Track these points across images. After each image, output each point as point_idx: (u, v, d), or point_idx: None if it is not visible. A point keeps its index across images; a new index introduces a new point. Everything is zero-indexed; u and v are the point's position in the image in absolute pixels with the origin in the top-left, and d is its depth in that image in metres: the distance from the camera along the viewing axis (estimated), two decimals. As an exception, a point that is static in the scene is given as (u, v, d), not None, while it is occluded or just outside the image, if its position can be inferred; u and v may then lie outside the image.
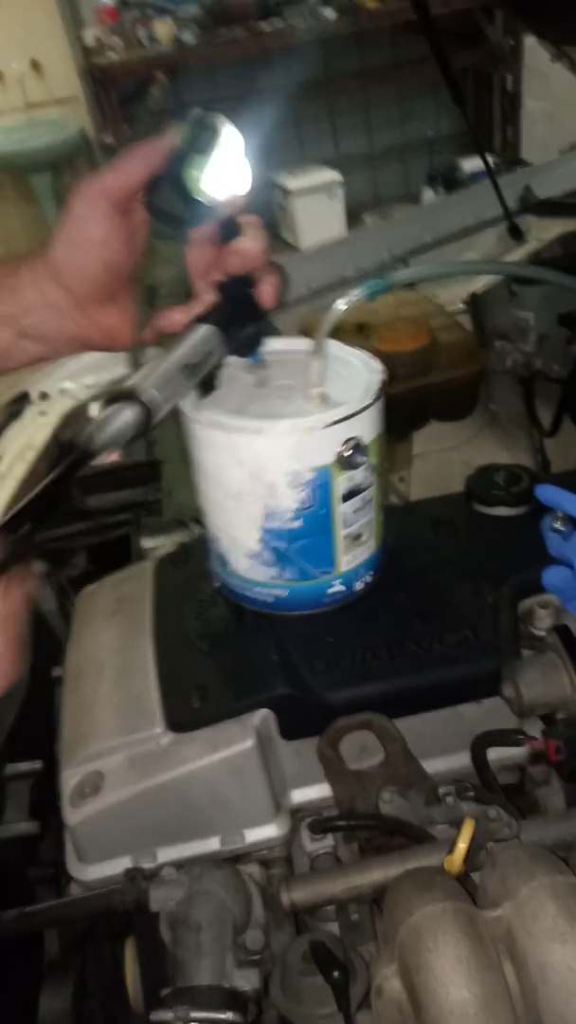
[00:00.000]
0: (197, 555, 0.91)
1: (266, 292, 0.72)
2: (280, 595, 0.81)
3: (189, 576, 0.90)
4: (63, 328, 0.72)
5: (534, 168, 2.05)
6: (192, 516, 0.82)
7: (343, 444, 0.73)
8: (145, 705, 0.80)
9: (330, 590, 0.81)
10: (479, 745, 0.77)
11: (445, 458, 1.42)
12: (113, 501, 1.37)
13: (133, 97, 4.78)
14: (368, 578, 0.84)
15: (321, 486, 0.74)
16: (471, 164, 4.96)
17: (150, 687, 0.82)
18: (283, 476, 0.73)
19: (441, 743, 0.81)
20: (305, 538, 0.77)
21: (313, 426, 0.72)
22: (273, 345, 0.82)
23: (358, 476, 0.76)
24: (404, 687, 0.77)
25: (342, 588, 0.82)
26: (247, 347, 0.76)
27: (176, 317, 0.71)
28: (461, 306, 1.65)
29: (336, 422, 0.72)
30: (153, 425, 0.63)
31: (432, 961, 0.59)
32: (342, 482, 0.75)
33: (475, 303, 1.66)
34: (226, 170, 0.68)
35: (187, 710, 0.78)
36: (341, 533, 0.78)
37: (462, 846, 0.67)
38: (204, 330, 0.68)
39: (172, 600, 0.90)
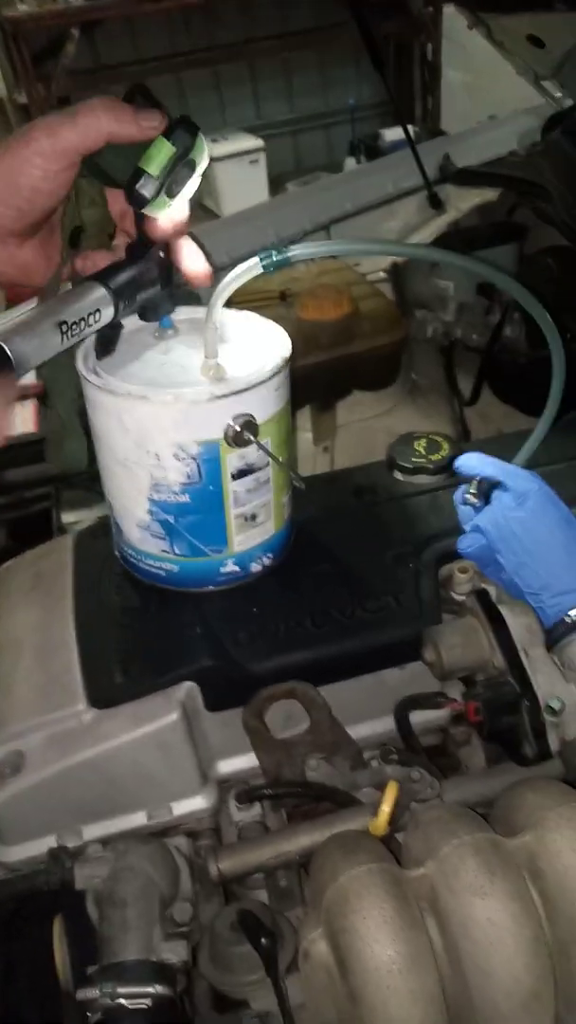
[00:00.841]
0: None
1: (194, 268, 0.71)
2: (171, 569, 0.80)
3: (109, 550, 0.88)
4: None
5: (453, 137, 2.05)
6: (80, 468, 0.80)
7: (232, 420, 0.72)
8: (66, 682, 0.79)
9: (223, 569, 0.81)
10: (402, 709, 0.79)
11: (368, 427, 1.43)
12: (32, 474, 1.33)
13: (47, 54, 4.59)
14: (267, 560, 0.83)
15: (209, 461, 0.73)
16: (393, 134, 4.94)
17: (71, 663, 0.80)
18: (168, 447, 0.72)
19: (366, 708, 0.82)
20: (193, 514, 0.76)
21: (197, 398, 0.70)
22: (189, 314, 0.80)
23: (251, 455, 0.75)
24: (327, 655, 0.78)
25: (236, 568, 0.81)
26: (151, 312, 0.74)
27: (100, 260, 0.69)
28: (382, 275, 1.65)
29: (223, 396, 0.71)
30: (18, 376, 0.60)
31: (357, 922, 0.60)
32: (233, 460, 0.74)
33: (396, 272, 1.66)
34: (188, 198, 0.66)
35: (109, 685, 0.77)
36: (232, 512, 0.77)
37: (386, 808, 0.68)
38: (88, 287, 0.65)
39: (92, 574, 0.88)
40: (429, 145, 1.98)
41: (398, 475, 0.96)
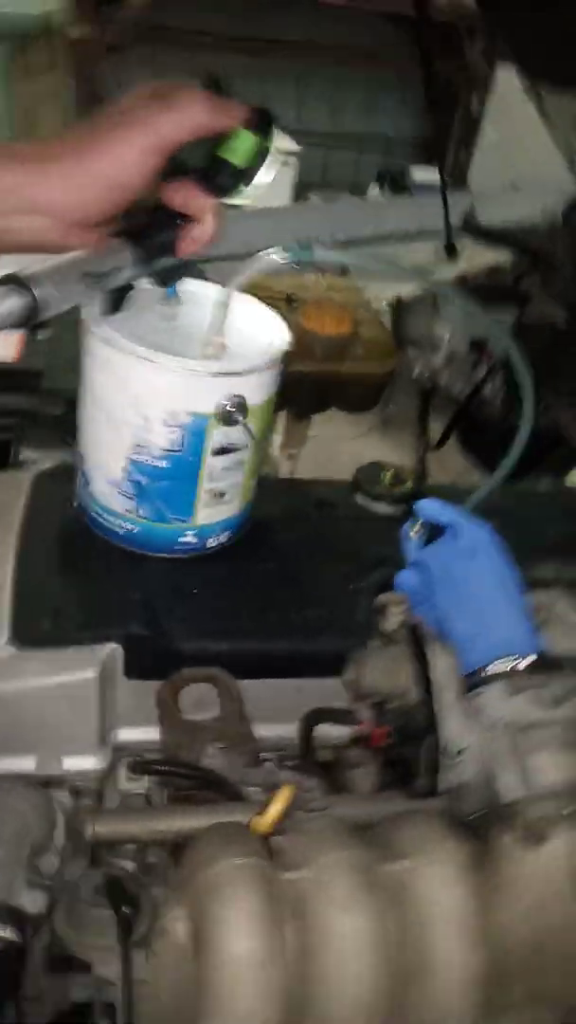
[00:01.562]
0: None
1: (189, 239, 0.70)
2: (131, 530, 0.81)
3: (66, 497, 0.88)
4: (44, 239, 0.66)
5: (480, 193, 2.10)
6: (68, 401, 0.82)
7: (226, 398, 0.74)
8: (-8, 615, 0.78)
9: (181, 539, 0.82)
10: (311, 719, 0.80)
11: (336, 445, 1.45)
12: (-1, 403, 1.30)
13: (113, -2, 4.52)
14: (224, 538, 0.85)
15: (195, 433, 0.75)
16: (421, 174, 5.02)
17: (2, 599, 0.79)
18: (159, 411, 0.74)
19: (275, 711, 0.83)
20: (168, 480, 0.78)
21: (197, 371, 0.72)
22: (197, 286, 0.81)
23: (234, 435, 0.77)
24: (255, 650, 0.79)
25: (194, 540, 0.83)
26: (166, 278, 0.74)
27: None
28: (384, 306, 1.69)
29: (223, 374, 0.73)
30: (39, 320, 0.61)
31: (224, 912, 0.61)
32: (217, 436, 0.76)
33: (398, 307, 1.69)
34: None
35: (35, 628, 0.77)
36: (205, 485, 0.79)
37: (276, 809, 0.69)
38: (116, 245, 0.66)
39: (43, 517, 0.88)
40: (456, 196, 2.02)
41: (360, 498, 0.99)
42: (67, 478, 0.89)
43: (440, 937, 0.62)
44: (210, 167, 0.66)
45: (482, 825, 0.73)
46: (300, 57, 5.21)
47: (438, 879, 0.63)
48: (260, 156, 0.66)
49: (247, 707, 0.80)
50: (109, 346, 0.73)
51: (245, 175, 0.66)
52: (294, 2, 4.65)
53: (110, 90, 3.03)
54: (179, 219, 0.68)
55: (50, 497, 0.90)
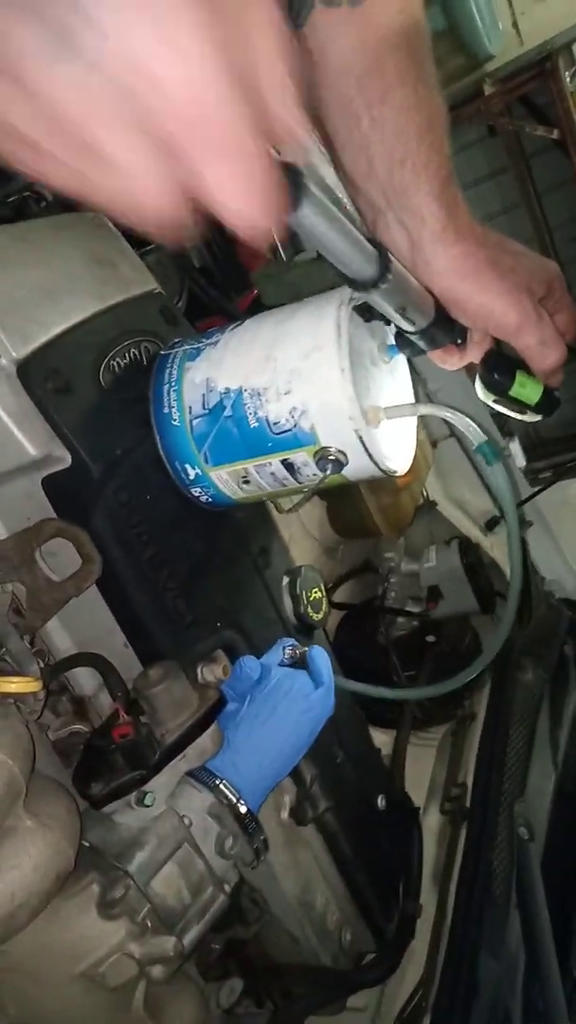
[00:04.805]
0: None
1: (444, 354, 0.75)
2: (174, 421, 0.83)
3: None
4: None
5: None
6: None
7: (338, 449, 0.76)
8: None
9: (191, 475, 0.85)
10: (91, 657, 0.81)
11: (295, 532, 1.45)
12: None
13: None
14: (207, 502, 0.88)
15: (296, 439, 0.77)
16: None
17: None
18: (304, 398, 0.75)
19: (84, 631, 0.85)
20: (241, 433, 0.79)
21: (353, 414, 0.74)
22: (406, 371, 0.86)
23: (304, 471, 0.80)
24: (121, 585, 0.81)
25: (199, 488, 0.86)
26: (404, 345, 0.78)
27: None
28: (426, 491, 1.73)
29: (357, 433, 0.74)
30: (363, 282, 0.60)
31: None
32: (297, 458, 0.78)
33: (432, 505, 1.74)
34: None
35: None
36: (250, 465, 0.81)
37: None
38: (428, 304, 0.69)
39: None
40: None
41: (285, 579, 1.03)
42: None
43: None
44: (505, 363, 0.71)
45: (95, 859, 0.75)
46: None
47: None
48: (532, 409, 0.72)
49: (74, 612, 0.80)
50: (331, 330, 0.74)
51: (518, 404, 0.71)
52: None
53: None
54: (459, 337, 0.71)
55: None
